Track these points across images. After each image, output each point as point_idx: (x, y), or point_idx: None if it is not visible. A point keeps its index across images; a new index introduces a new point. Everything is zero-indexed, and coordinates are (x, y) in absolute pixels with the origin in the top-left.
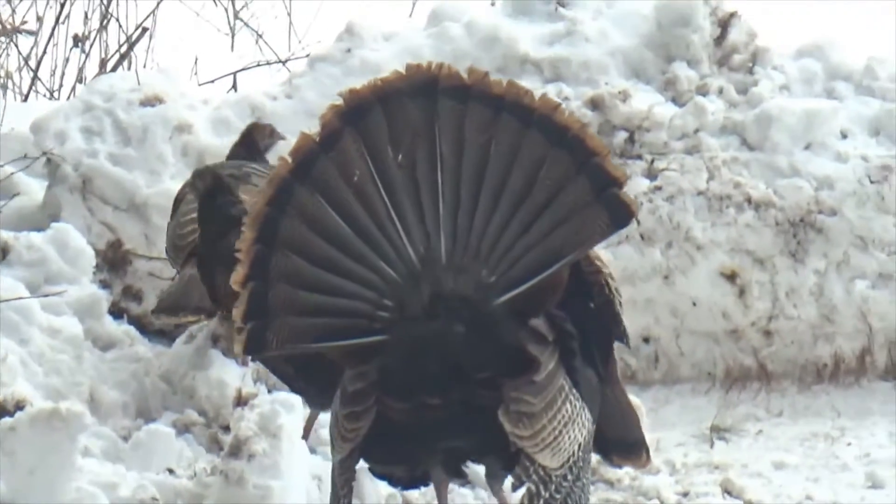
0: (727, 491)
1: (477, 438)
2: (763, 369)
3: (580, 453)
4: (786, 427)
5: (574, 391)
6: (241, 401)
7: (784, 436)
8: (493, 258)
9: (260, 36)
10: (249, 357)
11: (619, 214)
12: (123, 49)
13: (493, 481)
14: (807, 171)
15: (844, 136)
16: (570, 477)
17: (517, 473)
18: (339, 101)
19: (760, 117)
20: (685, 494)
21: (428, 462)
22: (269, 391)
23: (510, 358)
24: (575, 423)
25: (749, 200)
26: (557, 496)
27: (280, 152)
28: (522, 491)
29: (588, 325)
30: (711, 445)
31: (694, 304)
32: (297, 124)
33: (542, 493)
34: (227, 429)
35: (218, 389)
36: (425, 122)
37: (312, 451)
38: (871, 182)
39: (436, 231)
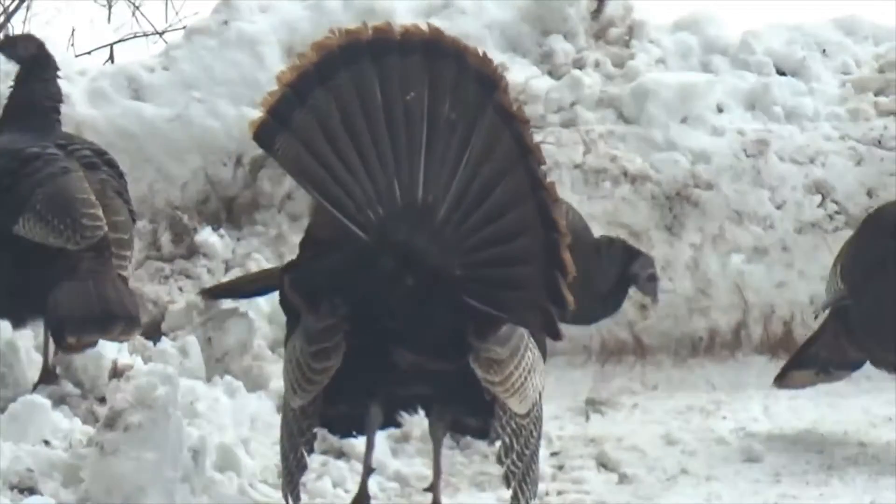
0: (602, 464)
1: (446, 387)
2: (639, 343)
3: (539, 406)
4: (661, 401)
5: (532, 339)
6: (117, 373)
7: (659, 409)
8: (462, 248)
9: (137, 8)
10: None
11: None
12: (0, 20)
13: (437, 435)
14: (683, 145)
15: (720, 109)
16: (535, 433)
17: (494, 426)
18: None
19: (637, 91)
20: (560, 468)
21: (389, 405)
22: (146, 363)
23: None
24: (535, 371)
25: (625, 174)
26: (527, 451)
27: None
28: (498, 444)
29: None
30: (587, 419)
31: None
32: (174, 96)
33: (515, 446)
34: (103, 400)
35: (94, 361)
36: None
37: (189, 423)
38: (747, 156)
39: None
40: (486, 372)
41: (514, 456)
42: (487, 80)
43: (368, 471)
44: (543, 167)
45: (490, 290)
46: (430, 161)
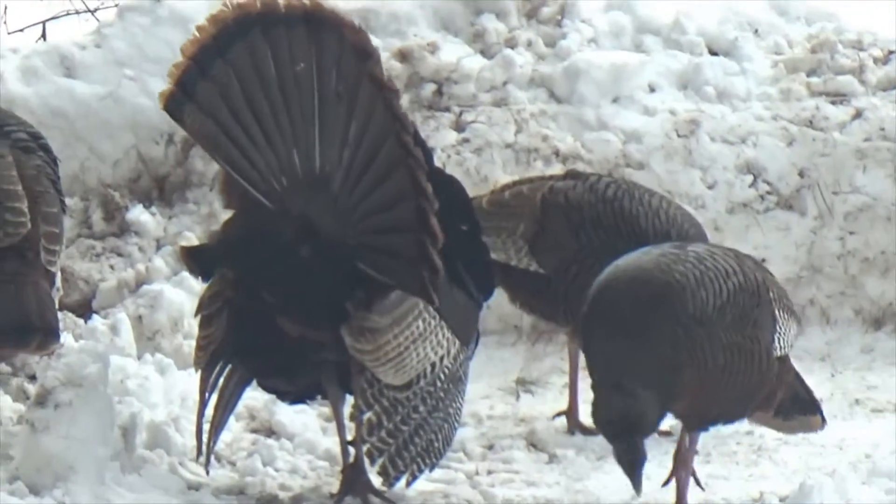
0: (532, 444)
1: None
2: None
3: (438, 380)
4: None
5: (430, 309)
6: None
7: (589, 389)
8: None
9: None
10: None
11: None
12: None
13: (337, 400)
14: (614, 125)
15: (652, 89)
16: (422, 408)
17: (358, 401)
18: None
19: (568, 70)
20: (490, 447)
21: (310, 375)
22: (76, 341)
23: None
24: (427, 341)
25: (557, 153)
26: (404, 427)
27: None
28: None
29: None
30: (517, 398)
31: None
32: (106, 74)
33: (385, 423)
34: (33, 378)
35: None
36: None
37: (119, 401)
38: (679, 136)
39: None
40: (356, 340)
41: (384, 433)
42: (363, 52)
43: (345, 443)
44: (410, 137)
45: (377, 257)
46: (324, 132)
